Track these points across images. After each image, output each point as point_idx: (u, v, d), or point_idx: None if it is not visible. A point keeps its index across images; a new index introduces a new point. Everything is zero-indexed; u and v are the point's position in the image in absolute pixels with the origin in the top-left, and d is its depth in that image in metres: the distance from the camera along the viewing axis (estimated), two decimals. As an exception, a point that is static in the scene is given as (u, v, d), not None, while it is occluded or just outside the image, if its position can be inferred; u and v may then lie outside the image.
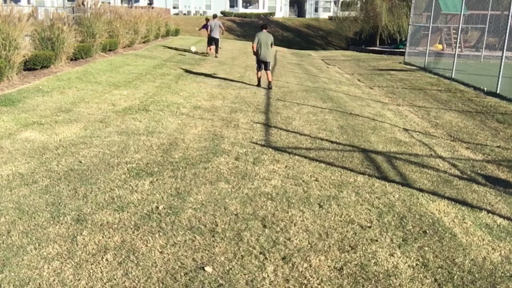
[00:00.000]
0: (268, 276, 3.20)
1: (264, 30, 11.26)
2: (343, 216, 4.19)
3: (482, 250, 3.74)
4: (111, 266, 3.22)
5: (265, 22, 12.59)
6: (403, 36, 31.61)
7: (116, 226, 3.79)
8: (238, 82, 11.93)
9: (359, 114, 8.93)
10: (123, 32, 16.32)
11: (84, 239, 3.56)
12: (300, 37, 50.83)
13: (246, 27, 49.73)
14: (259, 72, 11.33)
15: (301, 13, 62.75)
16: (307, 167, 5.46)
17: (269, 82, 11.22)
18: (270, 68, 11.42)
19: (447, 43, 23.86)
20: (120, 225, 3.81)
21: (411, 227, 4.07)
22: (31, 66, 10.39)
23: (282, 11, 61.61)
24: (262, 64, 11.19)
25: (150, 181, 4.78)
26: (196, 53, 18.67)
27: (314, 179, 5.09)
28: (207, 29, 17.38)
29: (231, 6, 59.72)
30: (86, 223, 3.81)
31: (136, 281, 3.07)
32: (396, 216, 4.27)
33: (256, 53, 11.12)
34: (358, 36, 37.64)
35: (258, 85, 11.41)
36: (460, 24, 15.66)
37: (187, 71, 13.27)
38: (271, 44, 11.18)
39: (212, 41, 17.56)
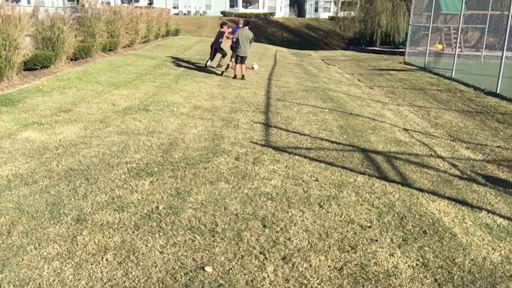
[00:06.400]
0: (268, 276, 3.20)
1: (246, 27, 12.04)
2: (343, 216, 4.19)
3: (482, 250, 3.74)
4: (111, 266, 3.22)
5: (248, 19, 13.31)
6: (403, 36, 31.63)
7: (116, 226, 3.80)
8: (238, 82, 11.93)
9: (359, 114, 8.92)
10: (123, 32, 16.32)
11: (84, 239, 3.56)
12: (300, 37, 50.83)
13: (246, 27, 49.61)
14: (237, 65, 12.19)
15: (301, 13, 62.72)
16: (307, 167, 5.46)
17: (243, 76, 12.15)
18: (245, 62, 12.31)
19: (447, 43, 23.86)
20: (120, 225, 3.82)
21: (411, 227, 4.07)
22: (31, 66, 10.39)
23: (282, 11, 61.59)
24: (239, 58, 11.99)
25: (150, 181, 4.78)
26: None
27: (314, 179, 5.09)
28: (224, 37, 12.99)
29: (231, 6, 59.73)
30: (86, 223, 3.81)
31: (136, 281, 3.08)
32: (396, 216, 4.27)
33: (237, 48, 11.88)
34: (358, 36, 37.65)
35: (235, 77, 12.23)
36: (460, 24, 15.67)
37: (187, 71, 13.27)
38: (251, 41, 11.95)
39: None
